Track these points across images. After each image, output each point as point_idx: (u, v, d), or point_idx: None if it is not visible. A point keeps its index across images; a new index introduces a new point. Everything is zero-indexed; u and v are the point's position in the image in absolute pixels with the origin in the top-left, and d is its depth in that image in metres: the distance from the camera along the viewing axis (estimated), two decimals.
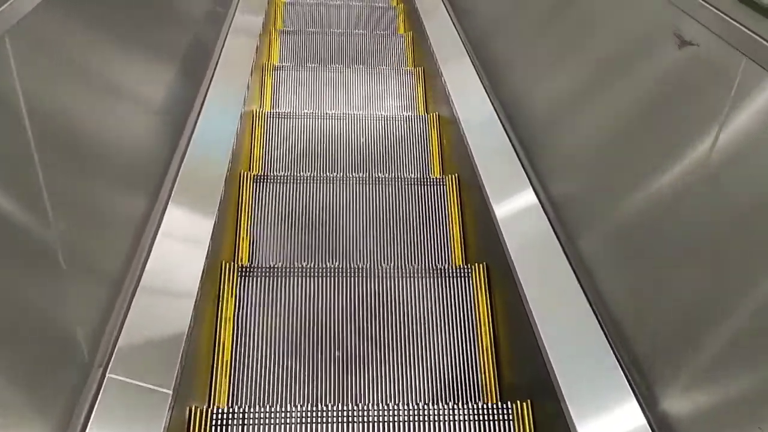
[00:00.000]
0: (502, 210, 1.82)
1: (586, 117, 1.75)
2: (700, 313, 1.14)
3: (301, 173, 2.29)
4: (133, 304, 1.32)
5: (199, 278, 1.47)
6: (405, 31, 3.61)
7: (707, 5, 1.17)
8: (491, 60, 2.50)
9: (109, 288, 1.29)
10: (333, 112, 2.71)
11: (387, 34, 3.49)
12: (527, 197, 1.83)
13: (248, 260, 2.04)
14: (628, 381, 1.26)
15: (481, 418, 1.51)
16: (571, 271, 1.53)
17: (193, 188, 1.72)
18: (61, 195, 1.13)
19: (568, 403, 1.26)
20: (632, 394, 1.24)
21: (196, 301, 1.41)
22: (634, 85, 1.48)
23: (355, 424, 1.47)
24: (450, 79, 2.56)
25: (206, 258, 1.54)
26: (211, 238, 1.62)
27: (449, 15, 3.03)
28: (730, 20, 1.10)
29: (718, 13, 1.13)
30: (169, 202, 1.62)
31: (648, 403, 1.21)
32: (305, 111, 2.73)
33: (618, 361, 1.30)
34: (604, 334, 1.37)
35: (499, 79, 2.37)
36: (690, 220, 1.19)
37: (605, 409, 1.25)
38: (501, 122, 2.17)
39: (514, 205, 1.85)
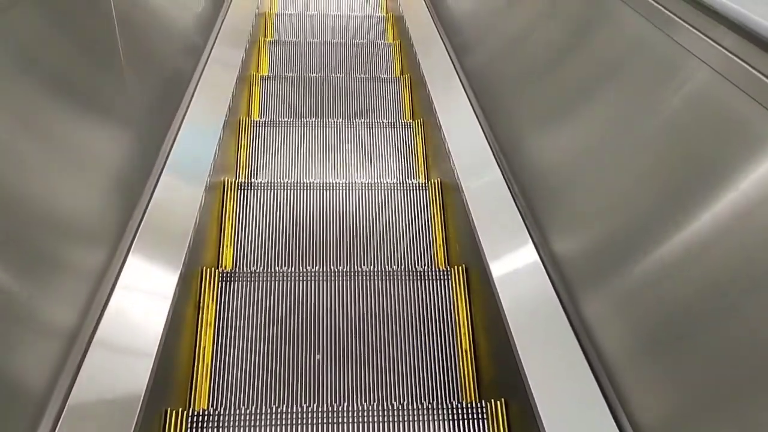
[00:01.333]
0: (479, 213, 1.85)
1: (560, 124, 1.77)
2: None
3: (285, 180, 2.32)
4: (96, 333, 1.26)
5: (175, 285, 1.49)
6: (393, 40, 3.66)
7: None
8: (472, 60, 2.54)
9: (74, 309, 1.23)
10: (323, 121, 2.75)
11: (378, 43, 3.54)
12: (504, 200, 1.85)
13: (232, 266, 2.07)
14: (595, 376, 1.29)
15: (457, 417, 1.53)
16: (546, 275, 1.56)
17: (176, 196, 1.75)
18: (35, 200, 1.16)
19: (536, 401, 1.28)
20: (599, 389, 1.26)
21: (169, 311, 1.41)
22: (623, 105, 1.47)
23: (333, 425, 1.49)
24: (435, 93, 2.59)
25: (183, 265, 1.57)
26: (188, 250, 1.63)
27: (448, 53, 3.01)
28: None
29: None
30: (144, 218, 1.60)
31: (615, 395, 1.23)
32: (297, 120, 2.76)
33: (585, 357, 1.33)
34: (575, 333, 1.40)
35: (481, 86, 2.40)
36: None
37: (572, 406, 1.28)
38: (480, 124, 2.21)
39: (491, 207, 1.88)
